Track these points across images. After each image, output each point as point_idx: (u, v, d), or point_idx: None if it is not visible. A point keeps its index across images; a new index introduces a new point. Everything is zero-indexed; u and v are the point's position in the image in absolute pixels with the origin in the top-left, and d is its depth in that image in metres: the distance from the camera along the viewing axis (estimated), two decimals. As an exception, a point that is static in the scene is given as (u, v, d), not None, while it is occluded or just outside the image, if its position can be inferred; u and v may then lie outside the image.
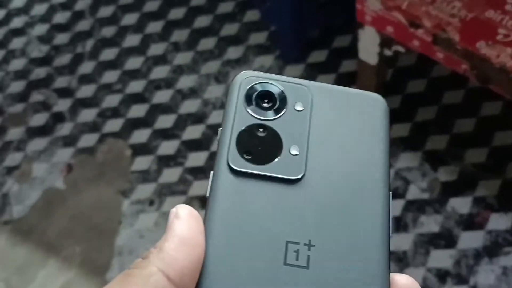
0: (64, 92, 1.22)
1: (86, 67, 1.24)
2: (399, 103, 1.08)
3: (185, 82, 1.18)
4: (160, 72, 1.20)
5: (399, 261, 0.94)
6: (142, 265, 0.20)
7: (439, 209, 0.98)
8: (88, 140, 1.15)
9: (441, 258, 0.93)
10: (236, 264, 0.20)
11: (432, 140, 1.04)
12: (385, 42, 0.87)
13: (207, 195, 0.22)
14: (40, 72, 1.25)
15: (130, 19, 1.28)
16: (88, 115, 1.18)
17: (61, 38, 1.29)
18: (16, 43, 1.30)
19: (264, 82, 0.23)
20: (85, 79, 1.22)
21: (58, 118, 1.19)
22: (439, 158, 1.02)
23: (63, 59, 1.26)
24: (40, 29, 1.31)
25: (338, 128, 0.23)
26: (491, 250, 0.93)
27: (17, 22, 1.33)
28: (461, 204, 0.98)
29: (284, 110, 0.23)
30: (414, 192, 1.00)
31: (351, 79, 1.11)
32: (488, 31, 0.71)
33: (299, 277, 0.20)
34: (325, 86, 0.24)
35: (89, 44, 1.27)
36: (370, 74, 0.97)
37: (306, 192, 0.21)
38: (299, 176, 0.22)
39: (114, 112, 1.17)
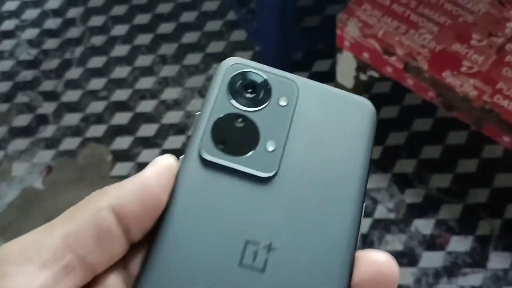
0: (50, 96, 1.24)
1: (74, 73, 1.27)
2: (372, 127, 1.14)
3: (170, 93, 1.22)
4: (146, 82, 1.24)
5: (364, 276, 0.98)
6: (95, 197, 0.18)
7: (404, 229, 1.03)
8: (70, 143, 1.18)
9: (403, 276, 0.98)
10: (186, 258, 0.19)
11: (401, 163, 1.09)
12: (361, 67, 0.93)
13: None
14: (27, 75, 1.28)
15: (120, 30, 1.32)
16: (71, 119, 1.21)
17: (51, 43, 1.32)
18: (6, 45, 1.33)
19: (250, 71, 0.23)
20: (72, 84, 1.25)
21: (42, 120, 1.21)
22: (407, 181, 1.07)
23: (51, 64, 1.29)
24: (31, 33, 1.34)
25: (320, 129, 0.21)
26: (450, 270, 0.98)
27: (8, 24, 1.36)
28: (424, 225, 1.03)
29: (267, 103, 0.22)
30: (381, 212, 1.05)
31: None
32: (454, 62, 0.77)
33: (252, 280, 0.19)
34: (315, 84, 0.22)
35: (78, 51, 1.30)
36: (346, 97, 1.03)
37: (277, 192, 0.20)
38: (270, 174, 0.20)
39: (98, 118, 1.20)
